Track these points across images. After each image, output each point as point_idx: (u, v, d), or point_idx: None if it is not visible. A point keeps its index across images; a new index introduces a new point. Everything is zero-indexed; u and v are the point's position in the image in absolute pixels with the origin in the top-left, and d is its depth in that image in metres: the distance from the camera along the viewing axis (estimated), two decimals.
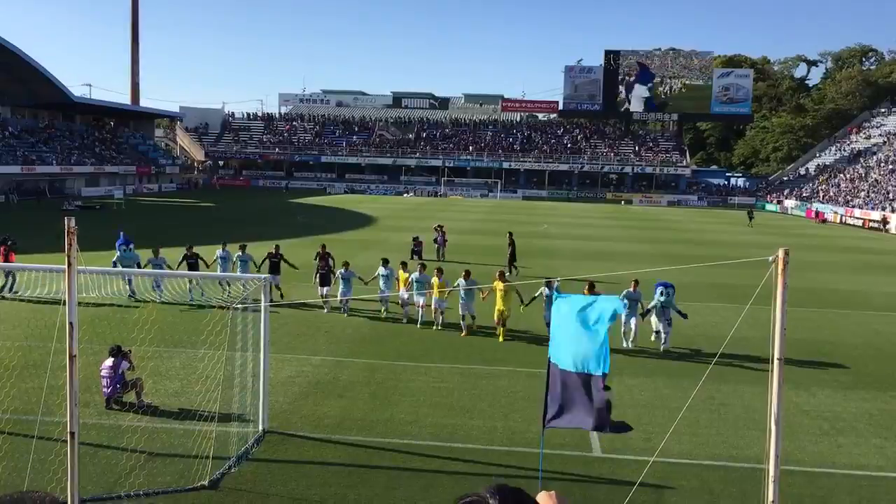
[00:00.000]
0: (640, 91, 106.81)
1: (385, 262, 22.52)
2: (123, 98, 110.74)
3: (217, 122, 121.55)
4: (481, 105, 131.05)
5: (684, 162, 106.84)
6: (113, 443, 12.01)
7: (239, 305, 16.29)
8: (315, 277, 23.39)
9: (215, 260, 24.51)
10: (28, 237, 35.21)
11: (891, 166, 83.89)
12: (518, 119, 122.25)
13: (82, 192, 78.29)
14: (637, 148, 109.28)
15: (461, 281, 20.62)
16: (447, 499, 9.82)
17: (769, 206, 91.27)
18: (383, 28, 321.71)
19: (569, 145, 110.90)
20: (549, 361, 9.08)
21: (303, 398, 14.77)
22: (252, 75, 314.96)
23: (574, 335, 8.75)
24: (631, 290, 19.65)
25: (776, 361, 6.82)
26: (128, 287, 23.31)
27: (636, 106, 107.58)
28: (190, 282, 23.12)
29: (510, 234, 32.89)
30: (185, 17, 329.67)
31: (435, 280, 20.67)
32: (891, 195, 74.04)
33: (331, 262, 23.96)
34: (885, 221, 65.45)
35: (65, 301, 8.18)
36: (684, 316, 19.65)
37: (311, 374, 16.41)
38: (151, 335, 16.73)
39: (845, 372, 17.81)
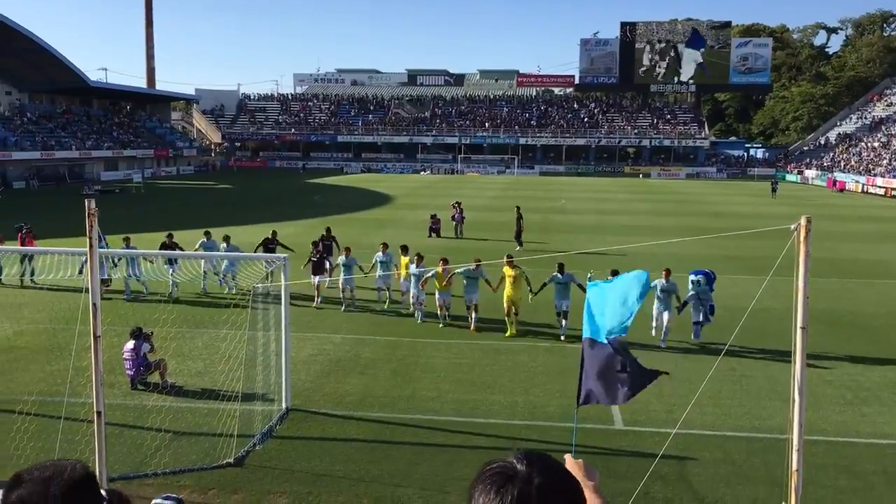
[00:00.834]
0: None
1: (384, 247, 20.50)
2: (139, 82, 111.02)
3: (233, 103, 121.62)
4: (497, 81, 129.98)
5: (703, 134, 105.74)
6: (139, 423, 12.18)
7: (259, 285, 16.41)
8: (306, 265, 21.17)
9: (197, 250, 21.92)
10: (49, 222, 35.53)
11: None
12: (534, 94, 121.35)
13: (101, 177, 78.85)
14: (654, 121, 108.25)
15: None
16: (470, 473, 9.88)
17: (790, 177, 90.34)
18: (396, 5, 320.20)
19: (585, 119, 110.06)
20: (584, 339, 9.00)
21: (325, 376, 14.87)
22: (266, 56, 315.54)
23: (607, 312, 8.72)
24: (663, 280, 17.47)
25: (799, 330, 6.76)
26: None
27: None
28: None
29: (518, 208, 32.81)
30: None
31: (438, 270, 18.49)
32: None
33: (333, 246, 22.51)
34: None
35: (87, 287, 8.25)
36: (711, 313, 17.48)
37: (333, 352, 16.50)
38: (174, 315, 16.90)
39: (868, 341, 17.67)
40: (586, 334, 8.85)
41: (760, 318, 18.13)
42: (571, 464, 2.17)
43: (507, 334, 17.77)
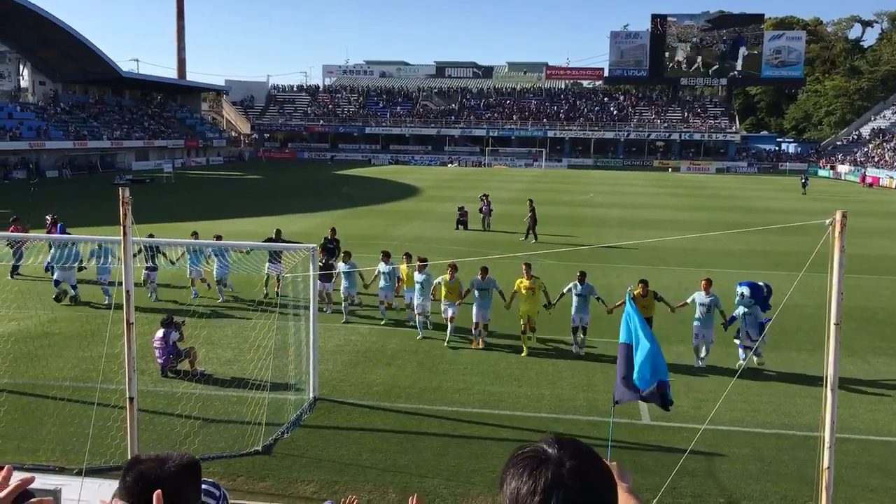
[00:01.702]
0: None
1: (386, 257, 18.23)
2: (170, 73, 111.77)
3: (262, 95, 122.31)
4: (525, 73, 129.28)
5: (733, 128, 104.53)
6: (168, 409, 12.33)
7: (288, 275, 16.51)
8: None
9: (182, 255, 20.42)
10: (83, 211, 36.01)
11: None
12: (563, 87, 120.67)
13: (132, 166, 79.74)
14: (685, 114, 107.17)
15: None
16: (497, 466, 9.88)
17: (822, 172, 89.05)
18: None
19: (615, 113, 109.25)
20: (620, 343, 9.36)
21: (352, 366, 14.95)
22: (296, 48, 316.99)
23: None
24: (702, 293, 14.95)
25: (833, 326, 6.69)
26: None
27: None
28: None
29: (530, 201, 32.60)
30: None
31: (445, 278, 16.47)
32: None
33: (337, 249, 20.88)
34: None
35: (120, 277, 8.36)
36: (760, 332, 14.60)
37: (359, 342, 16.57)
38: (205, 303, 17.06)
39: None
40: (623, 340, 9.24)
41: (791, 315, 17.93)
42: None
43: (522, 355, 15.72)
